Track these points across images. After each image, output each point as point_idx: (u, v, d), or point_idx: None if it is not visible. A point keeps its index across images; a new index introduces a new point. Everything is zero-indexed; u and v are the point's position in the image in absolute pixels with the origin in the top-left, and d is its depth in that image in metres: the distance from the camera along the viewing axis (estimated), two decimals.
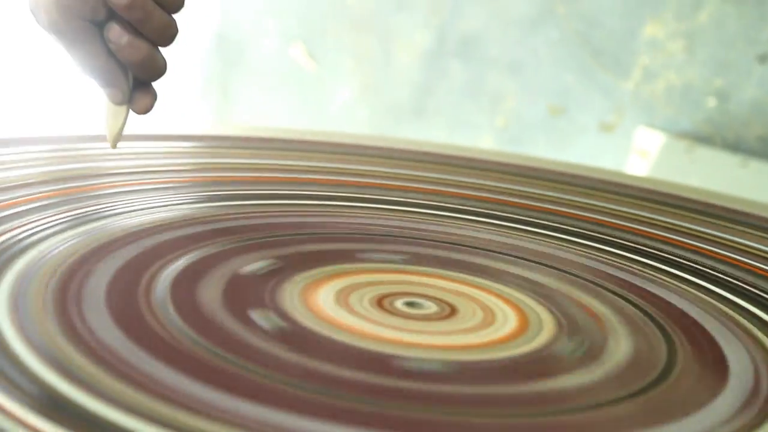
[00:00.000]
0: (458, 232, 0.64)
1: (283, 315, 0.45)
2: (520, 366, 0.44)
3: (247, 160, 0.78)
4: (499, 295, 0.52)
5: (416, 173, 0.80)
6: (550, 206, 0.74)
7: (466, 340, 0.45)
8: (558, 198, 0.77)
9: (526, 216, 0.70)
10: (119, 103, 0.58)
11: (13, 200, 0.57)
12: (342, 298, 0.48)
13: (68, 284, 0.46)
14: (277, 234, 0.58)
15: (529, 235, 0.65)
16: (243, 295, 0.47)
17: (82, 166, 0.68)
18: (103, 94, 0.58)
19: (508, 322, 0.48)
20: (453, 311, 0.49)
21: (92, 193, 0.61)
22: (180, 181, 0.68)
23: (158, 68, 0.58)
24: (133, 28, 0.55)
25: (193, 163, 0.75)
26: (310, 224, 0.61)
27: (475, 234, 0.64)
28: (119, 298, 0.45)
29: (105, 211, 0.58)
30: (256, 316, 0.45)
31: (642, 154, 1.94)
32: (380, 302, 0.48)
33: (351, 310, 0.47)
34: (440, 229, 0.64)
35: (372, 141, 0.95)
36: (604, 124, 2.04)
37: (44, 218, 0.54)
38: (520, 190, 0.79)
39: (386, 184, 0.75)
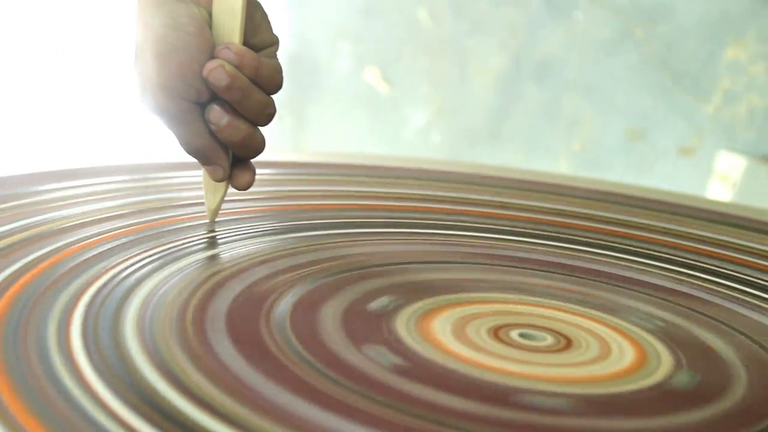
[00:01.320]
0: (544, 258, 0.63)
1: (399, 345, 0.45)
2: (638, 401, 0.42)
3: (324, 188, 0.78)
4: (615, 328, 0.51)
5: (493, 198, 0.80)
6: (630, 231, 0.73)
7: (583, 372, 0.45)
8: (638, 223, 0.76)
9: (600, 240, 0.69)
10: (219, 180, 0.60)
11: (107, 234, 0.58)
12: (459, 329, 0.48)
13: (190, 316, 0.47)
14: (377, 264, 0.58)
15: (610, 260, 0.64)
16: (360, 325, 0.48)
17: (163, 196, 0.68)
18: (204, 170, 0.60)
19: (625, 355, 0.47)
20: (569, 343, 0.48)
21: (178, 225, 0.62)
22: (259, 210, 0.68)
23: (257, 146, 0.59)
24: (232, 108, 0.57)
25: (271, 192, 0.75)
26: (402, 253, 0.62)
27: (564, 261, 0.63)
28: (240, 327, 0.46)
29: (196, 244, 0.58)
30: (374, 348, 0.45)
31: (723, 179, 1.90)
32: (496, 333, 0.48)
33: (469, 342, 0.46)
34: (525, 255, 0.63)
35: (448, 166, 0.95)
36: (684, 148, 2.00)
37: (141, 252, 0.55)
38: (598, 215, 0.78)
39: (466, 210, 0.75)
